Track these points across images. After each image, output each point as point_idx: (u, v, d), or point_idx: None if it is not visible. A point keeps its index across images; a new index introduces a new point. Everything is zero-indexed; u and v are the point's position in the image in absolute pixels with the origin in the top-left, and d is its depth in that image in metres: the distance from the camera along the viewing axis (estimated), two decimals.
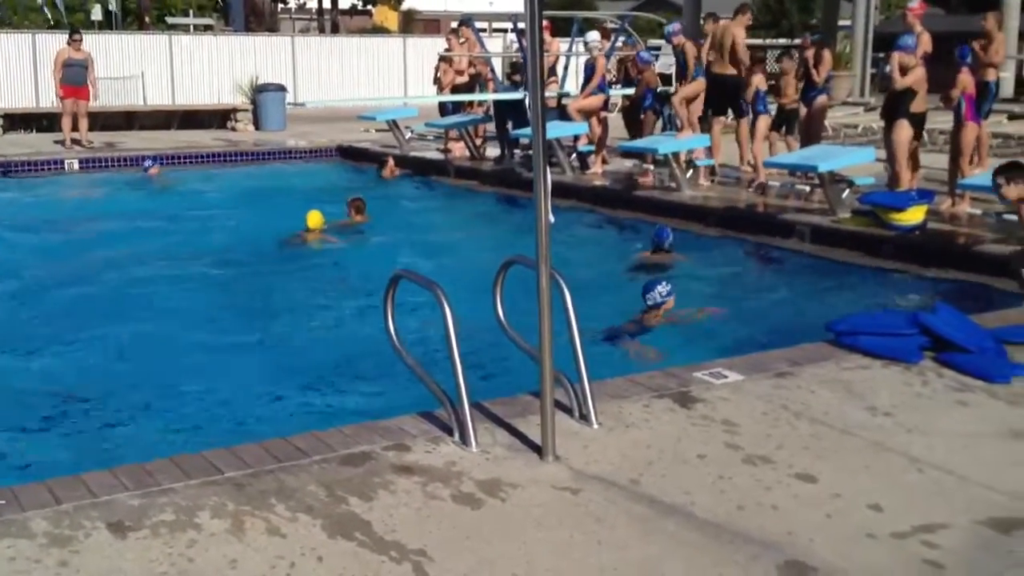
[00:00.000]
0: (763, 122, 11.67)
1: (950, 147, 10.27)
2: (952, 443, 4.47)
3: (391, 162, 15.22)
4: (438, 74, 16.51)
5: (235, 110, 20.82)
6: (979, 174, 9.66)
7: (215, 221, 11.95)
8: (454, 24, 17.54)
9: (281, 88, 20.84)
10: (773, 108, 12.04)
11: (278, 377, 6.42)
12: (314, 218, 10.47)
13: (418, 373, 4.72)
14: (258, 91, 20.63)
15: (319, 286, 9.05)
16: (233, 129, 20.47)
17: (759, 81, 11.61)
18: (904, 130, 10.16)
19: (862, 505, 3.89)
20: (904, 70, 10.05)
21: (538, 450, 4.37)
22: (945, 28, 19.22)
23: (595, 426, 4.67)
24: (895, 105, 10.30)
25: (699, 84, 12.20)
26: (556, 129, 13.10)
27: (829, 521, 3.78)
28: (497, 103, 14.88)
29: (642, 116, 13.18)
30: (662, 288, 7.24)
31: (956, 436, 4.54)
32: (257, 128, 20.39)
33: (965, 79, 9.83)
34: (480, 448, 4.40)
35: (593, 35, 13.36)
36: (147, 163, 15.39)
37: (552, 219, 4.25)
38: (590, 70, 13.37)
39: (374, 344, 6.01)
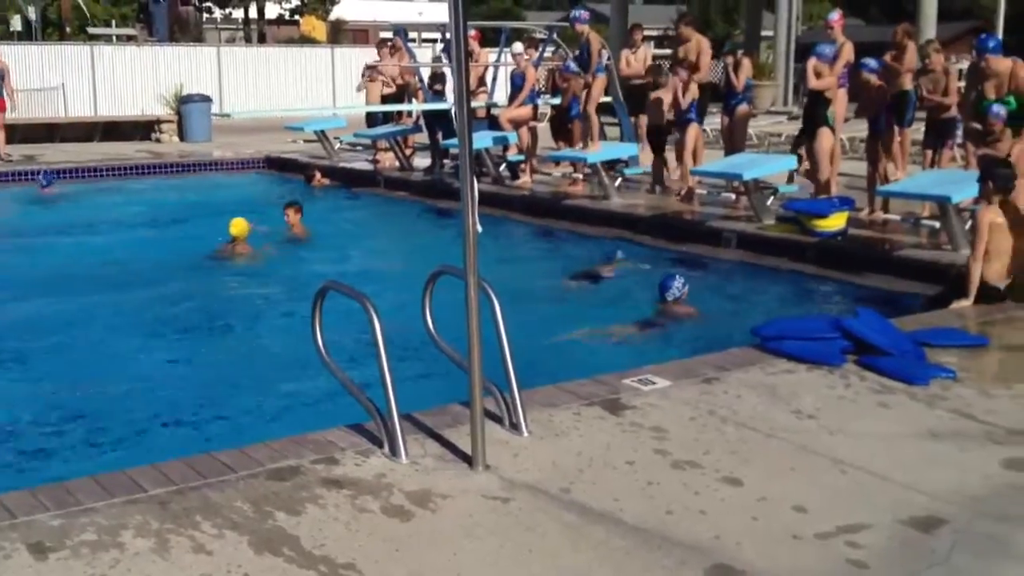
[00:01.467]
0: (693, 131, 11.79)
1: (868, 154, 10.49)
2: (874, 444, 4.56)
3: (318, 173, 15.10)
4: (364, 82, 16.42)
5: (159, 121, 20.48)
6: (899, 180, 9.89)
7: (137, 235, 11.75)
8: (384, 35, 17.50)
9: (206, 99, 20.58)
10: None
11: (204, 392, 6.32)
12: (237, 226, 10.27)
13: (347, 385, 4.69)
14: (182, 102, 20.34)
15: (247, 298, 8.94)
16: (157, 141, 20.13)
17: (694, 91, 11.74)
18: (826, 138, 10.38)
19: (787, 507, 3.95)
20: (818, 76, 10.30)
21: (468, 460, 4.36)
22: (866, 39, 19.64)
23: (525, 435, 4.68)
24: (814, 114, 10.51)
25: (600, 83, 12.21)
26: (485, 139, 13.13)
27: (755, 524, 3.83)
28: (427, 113, 14.86)
29: (569, 126, 13.26)
30: (679, 283, 7.71)
31: (878, 437, 4.64)
32: (182, 139, 20.09)
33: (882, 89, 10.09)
34: (410, 459, 4.38)
35: (518, 46, 13.38)
36: (41, 179, 14.65)
37: (479, 229, 4.26)
38: (519, 80, 13.41)
39: (303, 357, 5.96)
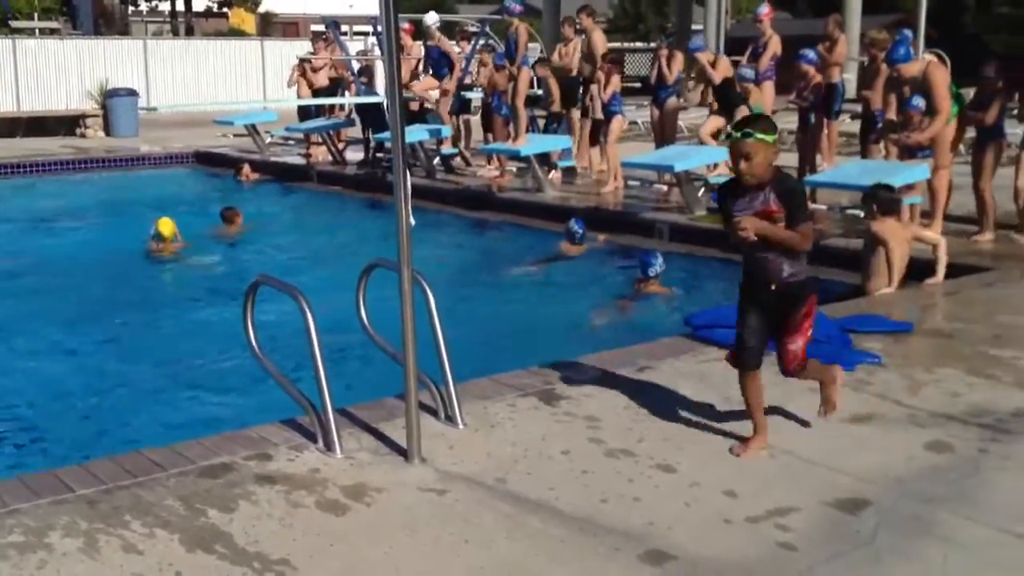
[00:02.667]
0: (616, 123, 11.87)
1: (798, 146, 10.67)
2: (802, 429, 4.66)
3: (247, 167, 14.94)
4: (294, 76, 16.27)
5: (84, 116, 20.08)
6: (826, 170, 10.06)
7: (63, 232, 11.52)
8: (316, 27, 17.32)
9: (132, 93, 20.22)
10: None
11: (136, 390, 6.23)
12: (166, 226, 10.13)
13: (279, 380, 4.65)
14: (108, 96, 19.95)
15: (177, 295, 8.84)
16: (83, 136, 19.73)
17: (616, 83, 11.82)
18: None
19: (719, 492, 4.02)
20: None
21: (404, 453, 4.36)
22: (794, 32, 19.95)
23: (461, 427, 4.69)
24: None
25: (526, 75, 12.24)
26: (419, 132, 13.11)
27: (688, 509, 3.89)
28: (360, 106, 14.77)
29: (493, 118, 13.28)
30: (660, 259, 8.18)
31: (807, 423, 4.73)
32: (108, 135, 19.71)
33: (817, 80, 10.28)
34: (345, 454, 4.36)
35: (430, 17, 13.13)
36: None
37: (412, 222, 4.26)
38: (436, 53, 13.16)
39: (236, 352, 5.90)
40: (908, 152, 8.78)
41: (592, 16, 12.63)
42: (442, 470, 4.24)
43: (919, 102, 8.60)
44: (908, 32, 9.36)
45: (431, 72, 13.48)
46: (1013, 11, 27.28)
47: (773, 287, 4.35)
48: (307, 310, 4.38)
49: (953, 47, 15.65)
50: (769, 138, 4.15)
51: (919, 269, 7.69)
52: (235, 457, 4.33)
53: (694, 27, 25.63)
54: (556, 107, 13.00)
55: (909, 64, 8.72)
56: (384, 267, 4.71)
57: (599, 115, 12.36)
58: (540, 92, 13.59)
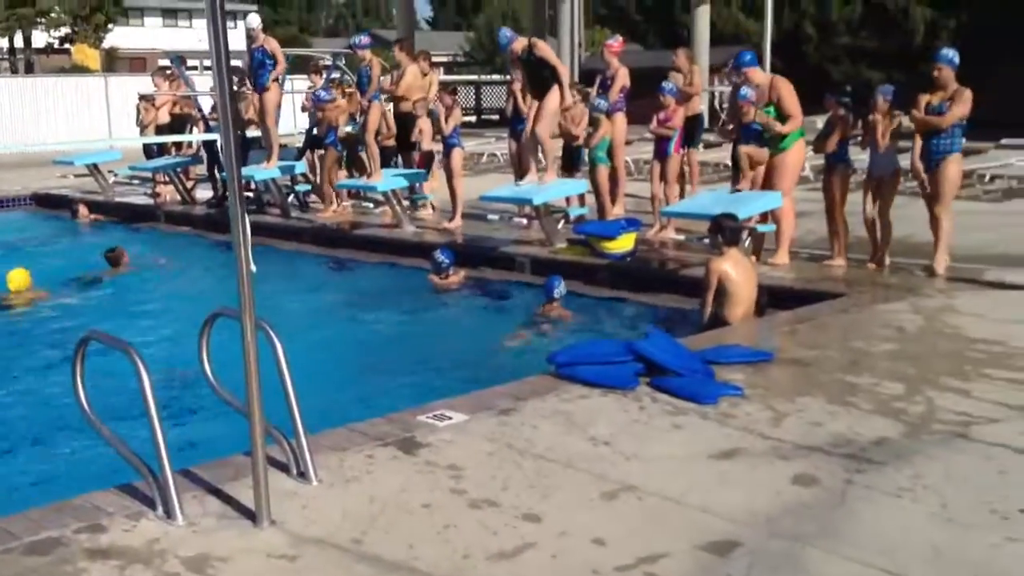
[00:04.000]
0: (458, 156, 11.73)
1: (653, 176, 10.71)
2: (668, 467, 4.54)
3: (83, 208, 14.25)
4: (140, 115, 15.65)
5: None
6: (685, 200, 10.14)
7: None
8: (161, 62, 16.68)
9: None
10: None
11: None
12: (14, 279, 9.55)
13: (113, 443, 4.29)
14: None
15: (10, 352, 8.22)
16: None
17: (457, 116, 11.70)
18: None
19: (587, 541, 3.86)
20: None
21: (252, 516, 4.06)
22: (644, 64, 20.31)
23: (315, 483, 4.41)
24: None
25: (377, 109, 12.00)
26: (270, 170, 12.74)
27: (555, 562, 3.71)
28: (208, 143, 14.27)
29: (321, 152, 13.01)
30: (560, 284, 8.50)
31: (672, 460, 4.63)
32: None
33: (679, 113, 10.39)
34: (187, 520, 4.03)
35: (252, 20, 12.62)
36: None
37: (254, 268, 3.99)
38: (259, 54, 12.42)
39: (67, 414, 5.47)
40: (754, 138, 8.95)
41: (407, 50, 12.49)
42: (293, 533, 3.95)
43: (748, 92, 8.79)
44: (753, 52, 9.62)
45: (250, 78, 12.81)
46: (852, 41, 28.46)
47: None
48: (141, 367, 4.04)
49: (797, 77, 16.14)
50: None
51: (779, 297, 7.81)
52: (65, 530, 3.94)
53: None
54: (389, 141, 12.77)
55: (755, 70, 8.91)
56: (227, 316, 4.41)
57: (426, 146, 12.29)
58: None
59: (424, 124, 12.08)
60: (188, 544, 3.85)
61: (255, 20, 12.36)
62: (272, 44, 12.34)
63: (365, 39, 11.94)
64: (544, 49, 10.23)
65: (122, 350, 4.14)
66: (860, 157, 9.33)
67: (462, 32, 57.88)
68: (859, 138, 9.08)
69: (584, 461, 4.63)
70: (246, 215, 3.97)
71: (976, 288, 7.89)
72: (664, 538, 3.86)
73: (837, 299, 7.63)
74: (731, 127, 9.15)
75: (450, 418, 5.21)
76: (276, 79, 12.18)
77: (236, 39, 12.41)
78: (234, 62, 12.96)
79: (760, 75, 9.02)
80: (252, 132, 13.65)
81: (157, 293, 10.23)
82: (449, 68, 51.44)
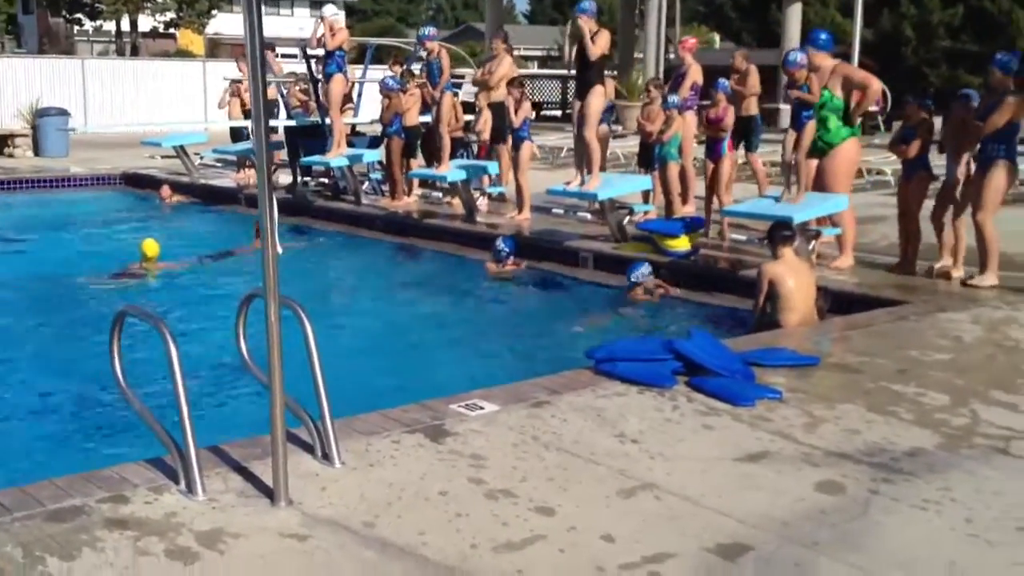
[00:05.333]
0: (526, 150, 11.70)
1: (708, 178, 10.52)
2: (691, 468, 4.49)
3: (166, 188, 14.64)
4: (225, 98, 16.00)
5: (12, 135, 19.58)
6: (747, 202, 9.98)
7: None
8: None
9: (63, 112, 19.77)
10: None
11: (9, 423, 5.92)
12: (151, 247, 10.04)
13: (144, 416, 4.40)
14: (38, 116, 19.50)
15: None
16: (11, 156, 19.25)
17: (527, 109, 11.67)
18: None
19: (596, 537, 3.83)
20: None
21: (271, 495, 4.13)
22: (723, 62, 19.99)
23: (338, 466, 4.47)
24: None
25: (448, 100, 12.02)
26: (344, 157, 12.93)
27: (561, 556, 3.70)
28: (289, 129, 14.53)
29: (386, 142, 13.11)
30: (645, 268, 8.69)
31: (696, 461, 4.57)
32: (37, 155, 19.25)
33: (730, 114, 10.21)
34: (208, 496, 4.12)
35: (328, 9, 12.83)
36: None
37: (280, 250, 4.06)
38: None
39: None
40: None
41: (504, 41, 12.39)
42: (309, 513, 4.01)
43: (799, 56, 8.61)
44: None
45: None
46: (952, 45, 27.69)
47: None
48: (170, 341, 4.14)
49: (893, 80, 15.76)
50: None
51: (839, 302, 7.65)
52: (88, 499, 4.06)
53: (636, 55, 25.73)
54: (457, 132, 12.79)
55: (822, 53, 8.59)
56: (262, 296, 4.48)
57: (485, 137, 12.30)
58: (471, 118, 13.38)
59: (487, 115, 12.11)
60: (204, 519, 3.93)
61: (329, 10, 12.57)
62: (444, 56, 12.45)
63: (432, 31, 12.03)
64: (604, 40, 9.80)
65: (154, 324, 4.25)
66: (938, 163, 9.06)
67: (558, 27, 57.86)
68: (938, 144, 8.84)
69: (608, 457, 4.61)
70: (274, 198, 4.04)
71: None
72: (675, 538, 3.82)
73: (897, 306, 7.43)
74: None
75: (482, 408, 5.23)
76: (341, 69, 12.36)
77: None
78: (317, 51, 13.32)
79: (827, 59, 8.68)
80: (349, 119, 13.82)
81: (212, 273, 10.39)
82: (544, 62, 51.46)
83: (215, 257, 10.74)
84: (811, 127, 8.69)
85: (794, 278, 7.02)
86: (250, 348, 4.73)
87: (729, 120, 10.17)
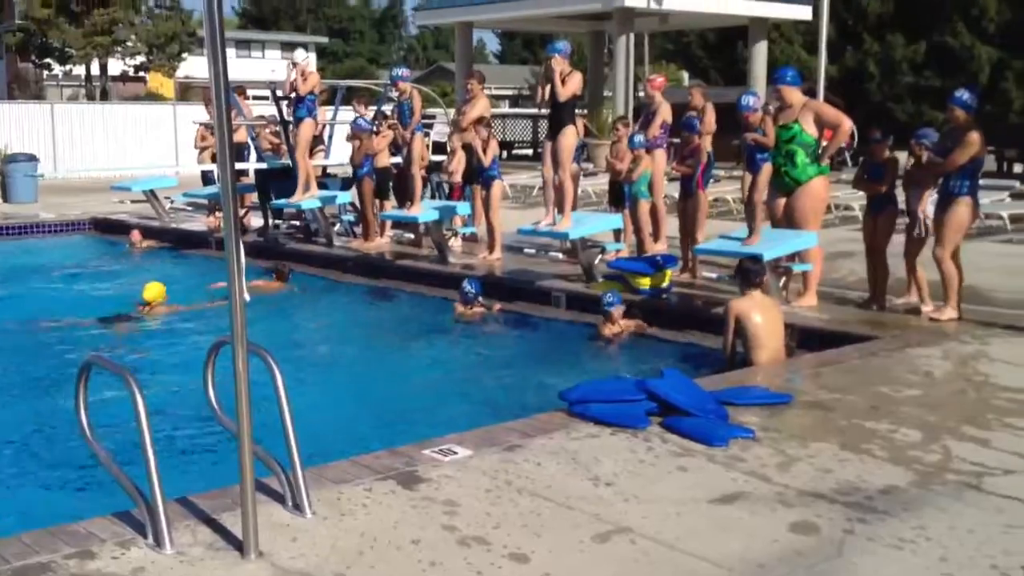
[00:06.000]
0: (497, 189, 11.73)
1: (681, 216, 10.58)
2: (666, 510, 4.46)
3: (136, 233, 14.56)
4: (198, 142, 15.99)
5: None
6: (714, 240, 10.01)
7: None
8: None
9: (32, 158, 19.67)
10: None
11: None
12: (149, 290, 10.04)
13: (110, 469, 4.33)
14: (6, 162, 19.38)
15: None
16: None
17: (494, 147, 11.71)
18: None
19: None
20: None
21: (241, 547, 4.06)
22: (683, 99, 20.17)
23: (309, 515, 4.41)
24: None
25: (419, 141, 12.13)
26: (316, 200, 12.92)
27: None
28: (260, 172, 14.50)
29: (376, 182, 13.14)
30: (610, 297, 8.76)
31: (672, 503, 4.54)
32: (5, 201, 19.10)
33: (703, 148, 10.29)
34: (176, 549, 4.05)
35: (299, 54, 12.91)
36: None
37: (247, 297, 4.03)
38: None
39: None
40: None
41: (480, 81, 12.39)
42: (279, 565, 3.95)
43: (751, 100, 8.76)
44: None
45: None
46: (916, 80, 28.08)
47: None
48: (136, 393, 4.09)
49: (859, 116, 15.90)
50: None
51: (809, 338, 7.69)
52: (55, 556, 3.98)
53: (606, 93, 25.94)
54: (456, 176, 12.83)
55: (792, 89, 8.65)
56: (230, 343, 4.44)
57: (457, 179, 12.35)
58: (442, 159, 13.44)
59: (460, 155, 12.16)
60: (172, 573, 3.86)
61: (300, 55, 12.65)
62: (415, 96, 12.46)
63: (405, 72, 12.08)
64: (575, 82, 9.76)
65: (119, 375, 4.20)
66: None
67: (528, 66, 58.31)
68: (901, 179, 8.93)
69: (582, 501, 4.57)
70: (241, 244, 4.02)
71: (1014, 335, 7.68)
72: None
73: (868, 342, 7.46)
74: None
75: (455, 453, 5.19)
76: (311, 113, 12.43)
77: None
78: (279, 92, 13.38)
79: (796, 94, 8.75)
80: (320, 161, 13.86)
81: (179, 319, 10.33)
82: (515, 101, 51.81)
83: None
84: (767, 169, 8.86)
85: (761, 314, 7.06)
86: (220, 396, 4.68)
87: (699, 157, 10.25)
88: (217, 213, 15.25)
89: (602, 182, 18.83)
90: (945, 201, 8.07)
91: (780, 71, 8.99)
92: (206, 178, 16.16)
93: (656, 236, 11.07)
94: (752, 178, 9.05)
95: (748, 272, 7.24)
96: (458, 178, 12.61)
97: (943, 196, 8.12)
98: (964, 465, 4.97)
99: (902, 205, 9.01)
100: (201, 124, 16.26)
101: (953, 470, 4.91)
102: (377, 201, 13.06)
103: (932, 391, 6.25)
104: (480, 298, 9.76)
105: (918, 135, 8.69)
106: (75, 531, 4.23)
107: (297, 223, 14.25)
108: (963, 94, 8.08)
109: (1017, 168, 23.03)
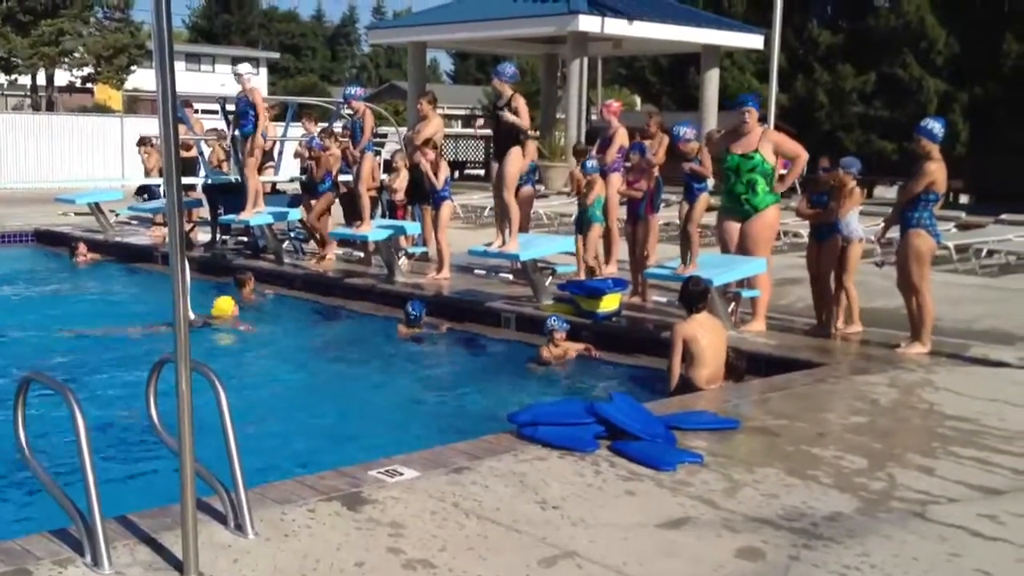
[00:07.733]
0: (446, 209, 11.72)
1: (630, 240, 10.63)
2: (613, 535, 4.44)
3: (82, 246, 14.31)
4: (142, 156, 15.79)
5: None
6: (664, 263, 10.06)
7: None
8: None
9: None
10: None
11: None
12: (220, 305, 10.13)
13: (47, 485, 4.22)
14: None
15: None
16: None
17: (445, 168, 11.71)
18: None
19: None
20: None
21: (180, 567, 3.97)
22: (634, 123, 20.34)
23: (251, 536, 4.32)
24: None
25: (369, 160, 12.13)
26: (265, 216, 12.80)
27: None
28: (208, 187, 14.35)
29: (314, 201, 13.02)
30: (553, 321, 8.72)
31: (618, 527, 4.52)
32: None
33: (651, 174, 10.36)
34: (114, 569, 3.95)
35: (243, 67, 12.86)
36: None
37: (192, 316, 3.95)
38: (243, 104, 12.78)
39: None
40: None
41: (431, 102, 12.33)
42: None
43: (683, 129, 9.10)
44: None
45: (233, 125, 13.09)
46: (865, 111, 28.53)
47: None
48: (76, 410, 4.00)
49: (809, 144, 16.07)
50: None
51: (757, 364, 7.73)
52: None
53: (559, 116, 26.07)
54: (398, 195, 12.77)
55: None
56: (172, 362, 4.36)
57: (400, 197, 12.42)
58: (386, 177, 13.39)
59: (404, 175, 12.17)
60: None
61: (243, 68, 12.60)
62: (256, 96, 12.50)
63: (359, 91, 12.05)
64: (522, 108, 9.94)
65: (59, 391, 4.10)
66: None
67: (481, 87, 58.47)
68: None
69: (529, 525, 4.54)
70: (186, 263, 3.95)
71: (958, 363, 7.79)
72: None
73: (815, 368, 7.53)
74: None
75: (401, 474, 5.13)
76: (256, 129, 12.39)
77: (262, 85, 12.79)
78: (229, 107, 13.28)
79: (754, 118, 8.86)
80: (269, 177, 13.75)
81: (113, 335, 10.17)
82: (467, 121, 51.92)
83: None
84: (704, 199, 9.18)
85: (706, 336, 7.12)
86: (162, 414, 4.59)
87: (644, 182, 10.32)
88: (162, 227, 15.08)
89: (554, 204, 18.94)
90: (903, 232, 8.14)
91: (740, 97, 9.19)
92: (142, 191, 15.99)
93: (608, 259, 11.09)
94: (688, 208, 9.19)
95: (692, 296, 7.29)
96: (401, 196, 12.56)
97: (901, 227, 8.18)
98: (909, 493, 5.01)
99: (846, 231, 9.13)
100: (143, 140, 16.02)
101: (898, 498, 4.95)
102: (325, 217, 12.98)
103: (878, 419, 6.31)
104: (424, 320, 9.73)
105: (843, 163, 8.84)
106: (10, 548, 4.11)
107: (245, 239, 14.11)
108: (929, 124, 8.07)
109: (963, 199, 23.52)
